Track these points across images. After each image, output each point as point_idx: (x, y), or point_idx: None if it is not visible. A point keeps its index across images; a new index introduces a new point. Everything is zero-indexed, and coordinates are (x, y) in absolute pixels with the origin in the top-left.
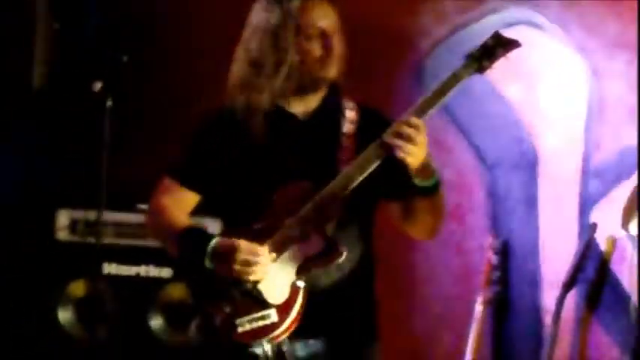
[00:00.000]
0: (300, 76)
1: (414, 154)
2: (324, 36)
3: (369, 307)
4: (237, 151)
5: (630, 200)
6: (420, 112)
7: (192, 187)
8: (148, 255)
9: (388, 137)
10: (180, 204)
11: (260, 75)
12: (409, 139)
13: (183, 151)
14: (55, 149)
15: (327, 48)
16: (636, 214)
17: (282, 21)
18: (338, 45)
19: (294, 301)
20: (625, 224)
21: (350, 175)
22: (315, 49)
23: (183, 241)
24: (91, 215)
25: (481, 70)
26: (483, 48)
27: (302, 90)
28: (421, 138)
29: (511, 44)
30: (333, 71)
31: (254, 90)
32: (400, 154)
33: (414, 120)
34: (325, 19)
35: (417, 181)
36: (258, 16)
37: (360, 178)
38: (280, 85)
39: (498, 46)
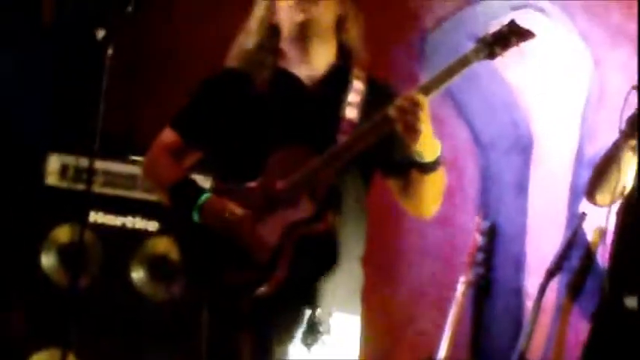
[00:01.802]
0: (273, 25)
1: (415, 131)
2: None
3: (353, 277)
4: (239, 110)
5: (598, 169)
6: (426, 91)
7: (193, 141)
8: (136, 206)
9: (391, 111)
10: (179, 158)
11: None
12: (412, 116)
13: (189, 105)
14: (52, 92)
15: None
16: (605, 184)
17: None
18: None
19: (278, 263)
20: (591, 193)
21: (348, 146)
22: None
23: (176, 192)
24: (83, 162)
25: (492, 56)
26: (498, 34)
27: (298, 42)
28: (424, 116)
29: (526, 35)
30: (312, 13)
31: (254, 51)
32: (402, 130)
33: (419, 97)
34: None
35: (417, 157)
36: None
37: (359, 149)
38: (260, 40)
39: (513, 34)
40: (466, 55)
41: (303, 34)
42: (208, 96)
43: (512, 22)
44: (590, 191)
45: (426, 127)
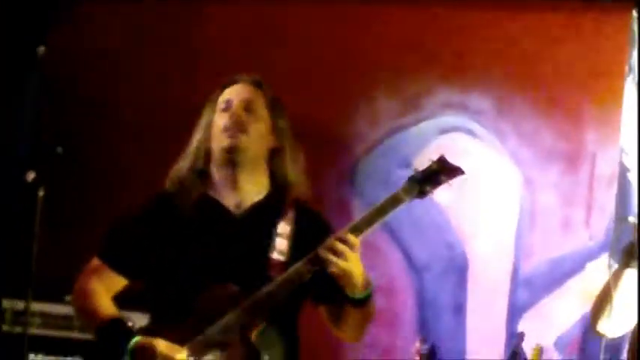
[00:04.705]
0: (208, 150)
1: (346, 270)
2: (228, 106)
3: None
4: (168, 241)
5: (601, 296)
6: (357, 230)
7: (121, 270)
8: (75, 347)
9: (322, 252)
10: (107, 287)
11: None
12: (343, 256)
13: (116, 234)
14: None
15: (230, 116)
16: (607, 310)
17: (208, 108)
18: (250, 118)
19: None
20: (594, 323)
21: (280, 286)
22: (221, 119)
23: (104, 334)
24: (19, 305)
25: (423, 195)
26: (427, 172)
27: (225, 169)
28: (355, 255)
29: (455, 171)
30: (239, 140)
31: (185, 175)
32: (333, 270)
33: (350, 237)
34: (237, 93)
35: (349, 293)
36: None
37: (290, 289)
38: (193, 164)
39: (442, 172)
40: (397, 195)
41: (230, 160)
42: (137, 226)
43: (441, 159)
44: (592, 323)
45: (357, 265)
